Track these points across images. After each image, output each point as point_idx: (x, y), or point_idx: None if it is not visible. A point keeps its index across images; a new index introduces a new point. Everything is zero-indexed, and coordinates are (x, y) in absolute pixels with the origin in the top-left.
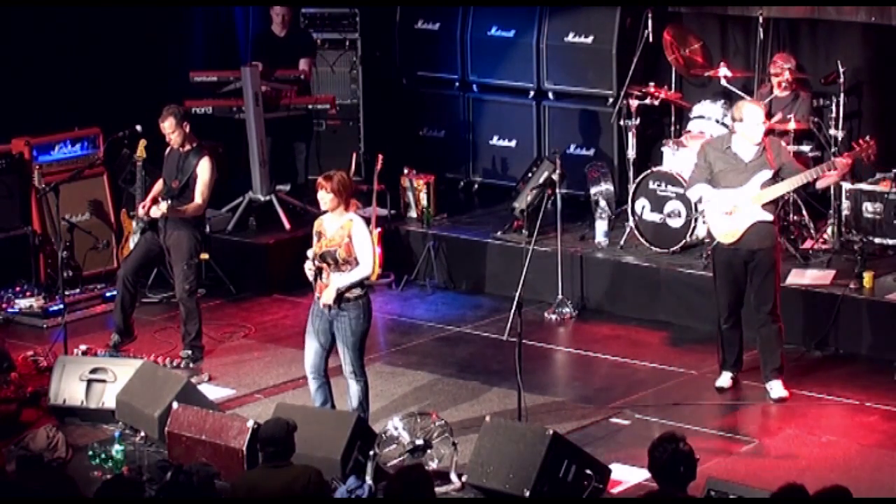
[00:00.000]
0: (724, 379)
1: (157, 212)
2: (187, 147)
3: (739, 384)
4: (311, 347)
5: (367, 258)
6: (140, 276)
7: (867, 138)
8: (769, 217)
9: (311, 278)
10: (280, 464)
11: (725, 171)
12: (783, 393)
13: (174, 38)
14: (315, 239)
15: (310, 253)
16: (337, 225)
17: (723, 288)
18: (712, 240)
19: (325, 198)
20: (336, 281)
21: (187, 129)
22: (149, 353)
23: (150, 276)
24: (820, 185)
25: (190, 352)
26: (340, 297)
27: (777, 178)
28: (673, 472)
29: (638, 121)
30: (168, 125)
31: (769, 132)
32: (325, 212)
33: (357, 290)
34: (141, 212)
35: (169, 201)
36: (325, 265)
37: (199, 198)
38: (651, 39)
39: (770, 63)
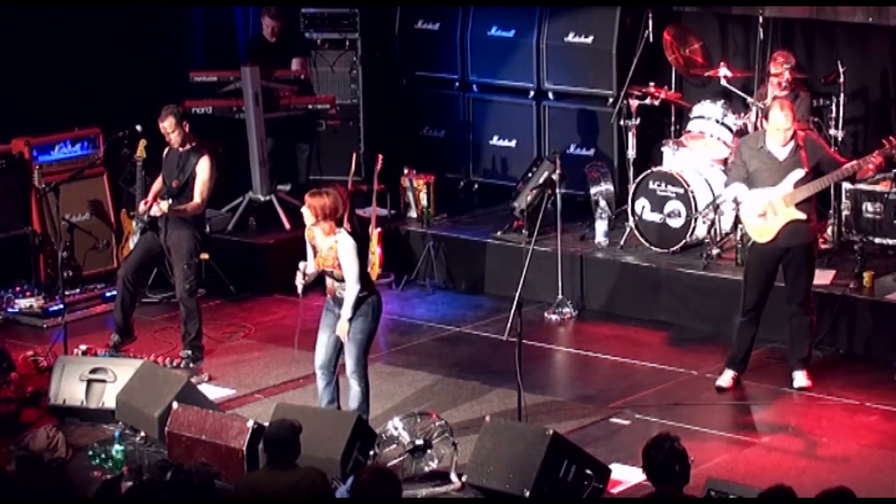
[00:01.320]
0: (726, 378)
1: (156, 211)
2: (187, 146)
3: (740, 384)
4: (323, 343)
5: (352, 278)
6: (140, 276)
7: (891, 137)
8: (802, 216)
9: (299, 290)
10: (284, 466)
11: (760, 170)
12: (805, 383)
13: (174, 38)
14: (310, 250)
15: (301, 266)
16: (327, 244)
17: (751, 283)
18: (747, 239)
19: (305, 212)
20: (344, 315)
21: (187, 129)
22: (149, 353)
23: (150, 276)
24: (859, 176)
25: (190, 352)
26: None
27: (814, 174)
28: (669, 472)
29: (638, 121)
30: (168, 125)
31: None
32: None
33: (366, 290)
34: (142, 208)
35: (169, 200)
36: (329, 277)
37: (198, 196)
38: (651, 39)
39: (770, 61)
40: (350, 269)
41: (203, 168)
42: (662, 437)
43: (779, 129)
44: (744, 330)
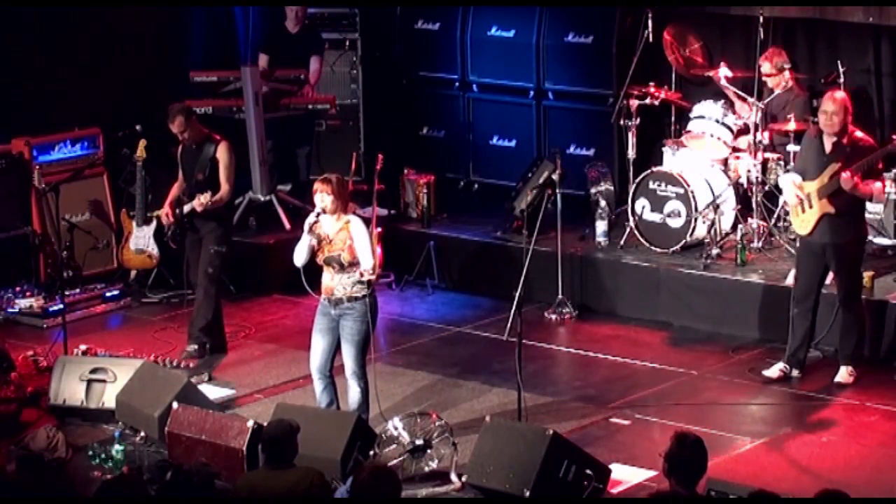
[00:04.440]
0: (773, 369)
1: (198, 205)
2: (200, 139)
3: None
4: (318, 347)
5: (367, 257)
6: None
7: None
8: (832, 210)
9: (306, 228)
10: (282, 465)
11: (807, 160)
12: (843, 378)
13: (174, 38)
14: (305, 241)
15: (312, 217)
16: (336, 227)
17: (799, 275)
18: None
19: (326, 200)
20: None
21: (196, 123)
22: (149, 353)
23: None
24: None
25: (194, 347)
26: (348, 297)
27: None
28: (695, 471)
29: (638, 121)
30: (178, 124)
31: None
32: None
33: (364, 289)
34: (164, 220)
35: (209, 193)
36: (330, 268)
37: (225, 183)
38: (651, 39)
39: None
40: (365, 245)
41: (223, 155)
42: (685, 435)
43: (824, 111)
44: (796, 322)
